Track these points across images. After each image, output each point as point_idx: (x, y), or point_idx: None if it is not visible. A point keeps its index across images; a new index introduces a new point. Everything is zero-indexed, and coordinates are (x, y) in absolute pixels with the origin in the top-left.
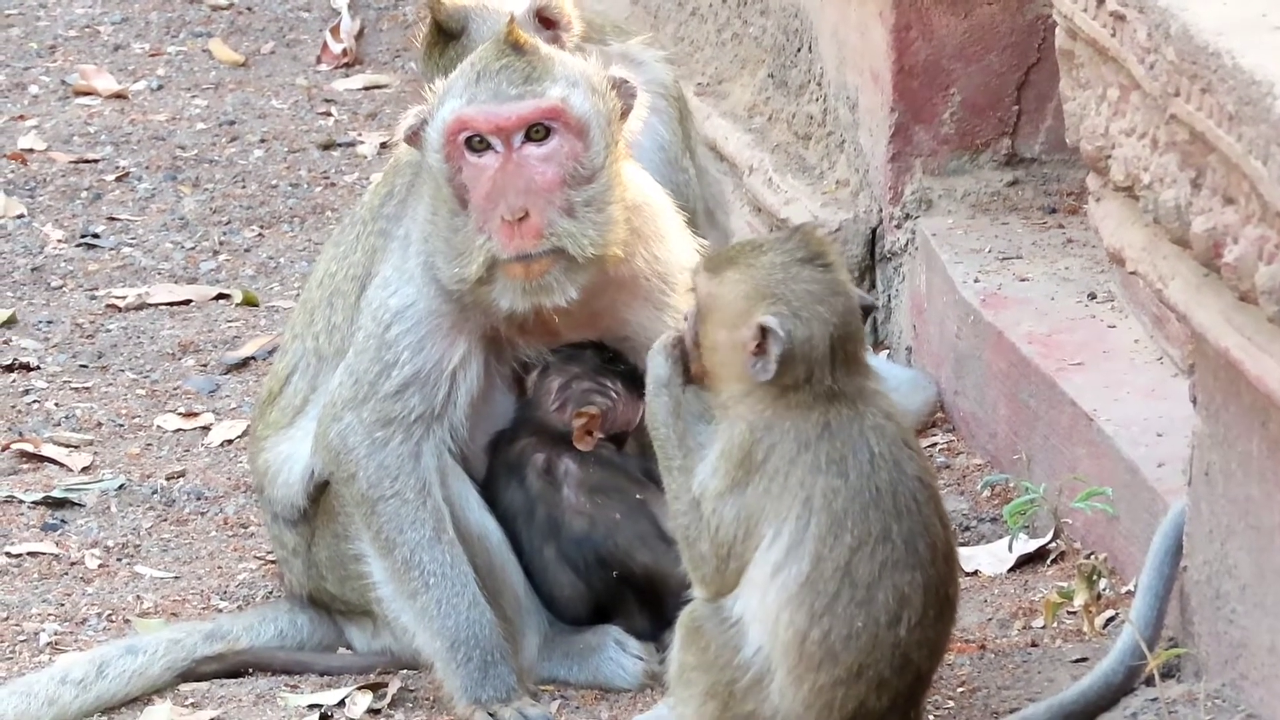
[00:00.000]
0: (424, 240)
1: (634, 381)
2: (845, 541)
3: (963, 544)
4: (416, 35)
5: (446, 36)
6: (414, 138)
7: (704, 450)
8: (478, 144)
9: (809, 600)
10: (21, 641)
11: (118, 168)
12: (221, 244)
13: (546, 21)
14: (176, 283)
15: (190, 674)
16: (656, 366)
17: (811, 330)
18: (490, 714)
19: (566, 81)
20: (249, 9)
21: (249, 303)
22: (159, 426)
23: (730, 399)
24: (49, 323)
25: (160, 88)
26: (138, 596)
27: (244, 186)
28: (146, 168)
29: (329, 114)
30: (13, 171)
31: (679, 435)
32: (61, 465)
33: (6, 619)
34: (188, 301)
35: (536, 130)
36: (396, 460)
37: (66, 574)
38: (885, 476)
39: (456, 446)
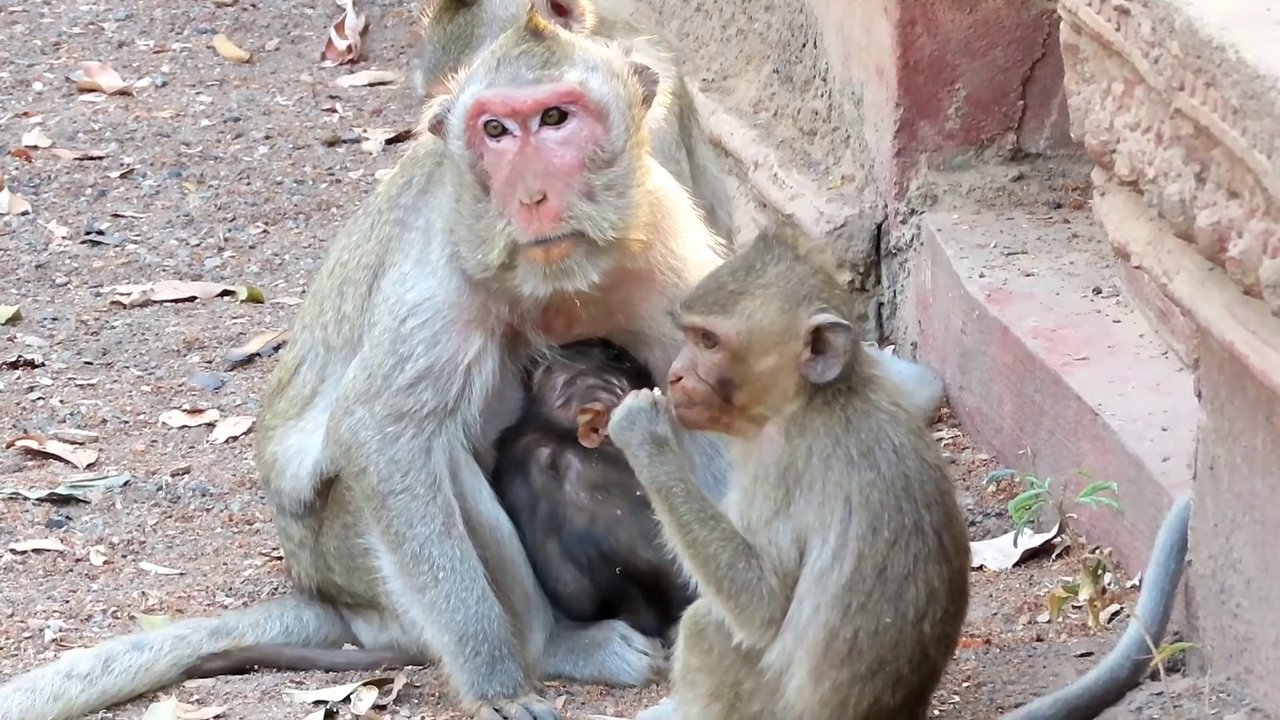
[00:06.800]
0: (448, 230)
1: (639, 379)
2: (883, 537)
3: (969, 539)
4: (425, 13)
5: (458, 3)
6: (438, 127)
7: (725, 488)
8: (495, 129)
9: (846, 600)
10: (27, 638)
11: (122, 164)
12: (226, 241)
13: (559, 9)
14: (181, 279)
15: (196, 670)
16: (651, 428)
17: (844, 314)
18: (496, 709)
19: (585, 66)
20: (253, 5)
21: (254, 299)
22: (164, 423)
23: (762, 421)
24: (54, 320)
25: (165, 84)
26: (143, 593)
27: (249, 183)
28: (151, 164)
29: (334, 110)
30: (17, 168)
31: (695, 486)
32: (66, 462)
33: (12, 616)
34: (192, 298)
35: (552, 114)
36: (407, 455)
37: (71, 570)
38: (912, 465)
39: (469, 441)
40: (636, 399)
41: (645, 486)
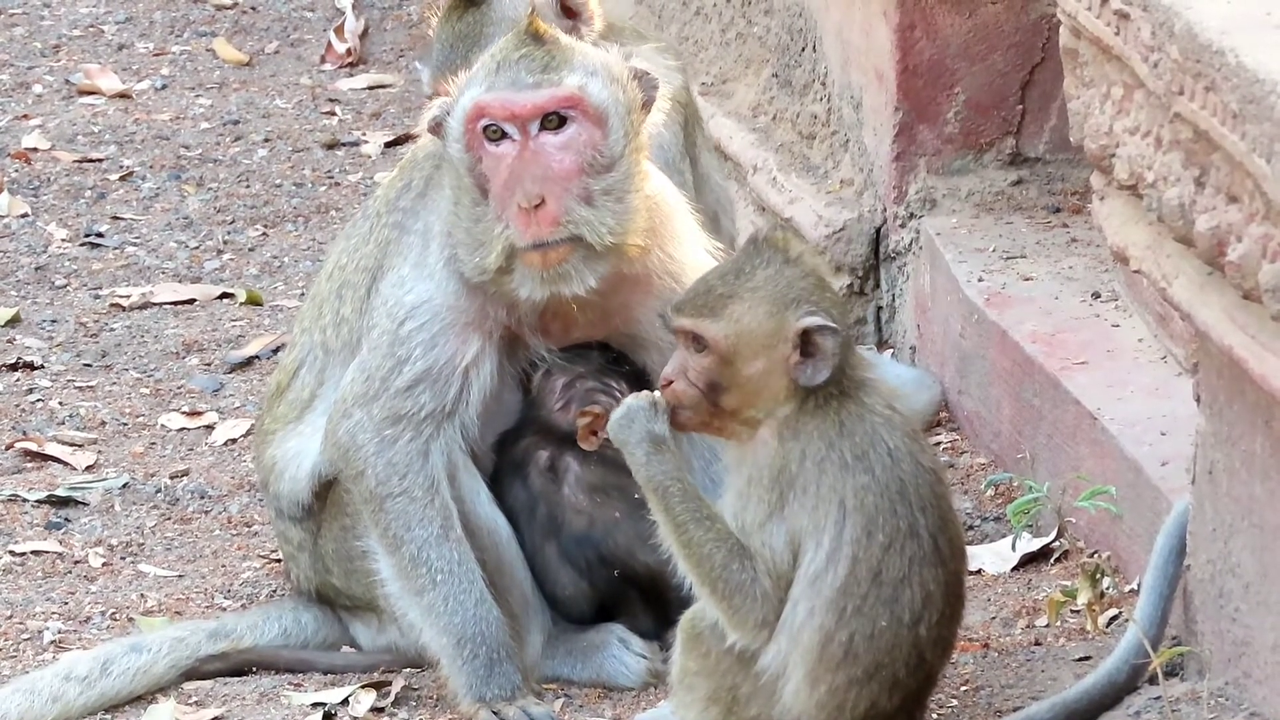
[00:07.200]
0: (447, 233)
1: (639, 382)
2: (878, 540)
3: (966, 543)
4: (432, 13)
5: (468, 1)
6: (437, 128)
7: (720, 490)
8: (495, 133)
9: (841, 603)
10: (25, 640)
11: (122, 167)
12: (225, 243)
13: (568, 10)
14: (180, 282)
15: (194, 672)
16: (649, 426)
17: (834, 316)
18: (494, 712)
19: (585, 71)
20: (253, 8)
21: (253, 302)
22: (163, 425)
23: (756, 424)
24: (53, 322)
25: (164, 87)
26: (141, 595)
27: (248, 186)
28: (150, 167)
29: (333, 113)
30: (17, 171)
31: (692, 486)
32: (65, 464)
33: (11, 617)
34: (192, 301)
35: (552, 119)
36: (405, 458)
37: (70, 572)
38: (907, 468)
39: (467, 444)
40: (636, 399)
41: (642, 485)
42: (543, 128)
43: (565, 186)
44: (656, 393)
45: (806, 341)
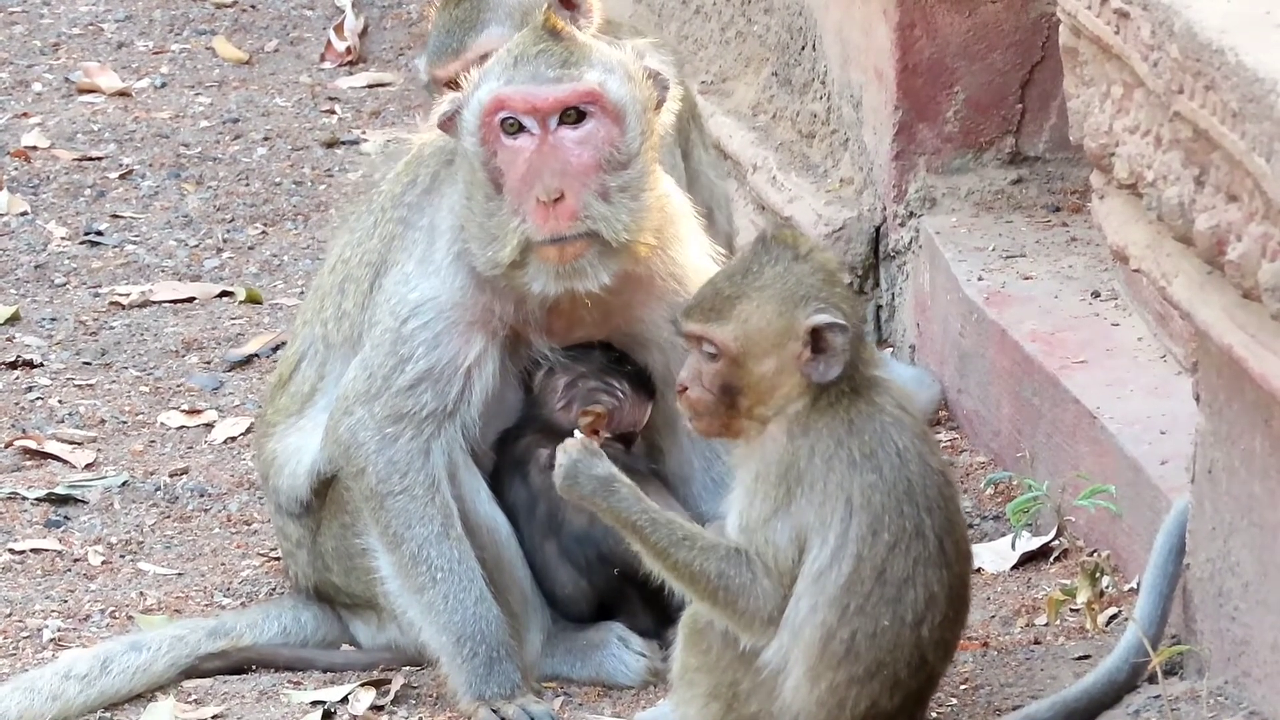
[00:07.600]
0: (457, 228)
1: (641, 382)
2: (883, 539)
3: None
4: (426, 21)
5: None
6: (448, 123)
7: (728, 489)
8: (512, 126)
9: (845, 600)
10: (25, 638)
11: (121, 165)
12: (225, 241)
13: (568, 2)
14: (180, 280)
15: (193, 670)
16: (593, 472)
17: (844, 312)
18: (494, 710)
19: (603, 67)
20: (253, 7)
21: (252, 300)
22: (162, 423)
23: (766, 421)
24: (52, 320)
25: (164, 85)
26: (141, 593)
27: (247, 184)
28: (150, 165)
29: (332, 112)
30: (16, 169)
31: (659, 512)
32: (65, 462)
33: (10, 615)
34: (191, 299)
35: (571, 114)
36: (406, 456)
37: (70, 570)
38: (915, 469)
39: (468, 443)
40: (566, 453)
41: (614, 527)
42: (561, 122)
43: (584, 181)
44: (578, 435)
45: (817, 339)
